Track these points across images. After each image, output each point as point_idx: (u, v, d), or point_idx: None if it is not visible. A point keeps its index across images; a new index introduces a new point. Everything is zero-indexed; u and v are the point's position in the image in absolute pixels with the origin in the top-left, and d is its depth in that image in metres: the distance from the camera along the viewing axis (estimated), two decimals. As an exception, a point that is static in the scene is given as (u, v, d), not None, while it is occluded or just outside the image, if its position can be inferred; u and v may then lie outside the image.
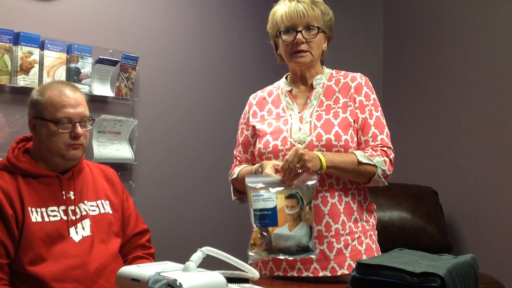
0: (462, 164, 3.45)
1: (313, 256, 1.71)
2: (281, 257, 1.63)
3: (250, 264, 1.90)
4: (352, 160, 1.78)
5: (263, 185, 1.65)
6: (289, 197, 1.64)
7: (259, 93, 2.04)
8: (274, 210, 1.62)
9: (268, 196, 1.63)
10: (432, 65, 3.67)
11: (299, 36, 1.85)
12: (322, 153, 1.75)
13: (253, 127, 1.96)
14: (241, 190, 1.95)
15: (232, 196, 1.99)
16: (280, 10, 1.89)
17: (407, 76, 3.83)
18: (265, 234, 1.62)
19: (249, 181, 1.66)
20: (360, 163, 1.78)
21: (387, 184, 1.86)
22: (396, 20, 3.94)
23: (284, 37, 1.88)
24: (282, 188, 1.65)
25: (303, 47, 1.87)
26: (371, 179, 1.81)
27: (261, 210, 1.62)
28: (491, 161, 3.30)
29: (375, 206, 1.95)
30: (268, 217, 1.62)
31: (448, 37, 3.59)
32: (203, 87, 3.40)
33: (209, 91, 3.43)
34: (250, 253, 1.63)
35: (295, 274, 1.81)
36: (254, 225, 1.63)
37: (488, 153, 3.32)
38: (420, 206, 3.30)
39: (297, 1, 1.86)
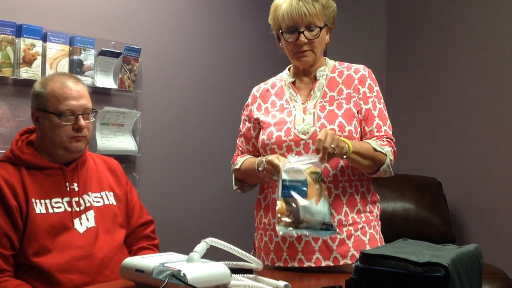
0: (466, 154, 3.44)
1: (337, 235, 1.73)
2: (306, 233, 1.60)
3: (252, 253, 1.92)
4: (368, 146, 1.78)
5: (294, 162, 1.65)
6: (313, 173, 1.64)
7: (262, 85, 2.04)
8: (305, 182, 1.61)
9: (298, 168, 1.63)
10: (436, 56, 3.65)
11: (301, 37, 1.84)
12: (344, 138, 1.73)
13: (257, 119, 1.96)
14: (242, 179, 1.96)
15: (234, 185, 1.99)
16: (281, 7, 1.86)
17: (411, 67, 3.81)
18: (293, 205, 1.59)
19: (291, 159, 1.66)
20: (375, 150, 1.78)
21: (393, 174, 1.86)
22: (400, 11, 3.92)
23: (286, 36, 1.87)
24: (309, 165, 1.65)
25: (306, 47, 1.86)
26: (379, 169, 1.81)
27: (291, 181, 1.62)
28: (495, 152, 3.29)
29: (378, 197, 1.95)
30: (297, 188, 1.61)
31: (453, 27, 3.57)
32: (206, 78, 3.39)
33: (212, 82, 3.42)
34: (278, 227, 1.59)
35: (296, 265, 1.82)
36: (281, 197, 1.60)
37: (492, 144, 3.31)
38: (424, 196, 3.30)
39: None
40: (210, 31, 3.42)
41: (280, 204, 1.60)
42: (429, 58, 3.69)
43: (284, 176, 1.63)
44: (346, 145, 1.70)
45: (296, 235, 1.70)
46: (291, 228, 1.58)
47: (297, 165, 1.64)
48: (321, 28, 1.85)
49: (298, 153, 1.81)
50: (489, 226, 3.30)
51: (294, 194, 1.60)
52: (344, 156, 1.71)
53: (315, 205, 1.60)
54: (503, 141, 3.26)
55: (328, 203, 1.64)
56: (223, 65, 3.48)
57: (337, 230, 1.67)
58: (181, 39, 3.27)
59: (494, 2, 3.36)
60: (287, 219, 1.58)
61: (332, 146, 1.63)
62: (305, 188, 1.61)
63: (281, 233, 1.60)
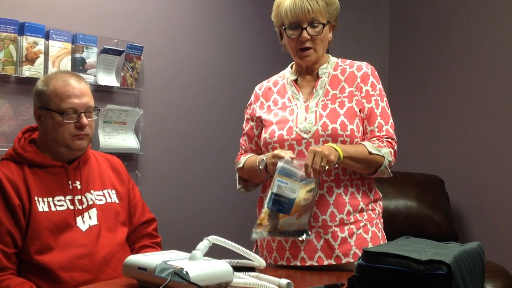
0: (468, 152, 3.44)
1: (304, 238, 1.73)
2: (278, 237, 1.68)
3: (254, 250, 1.92)
4: (362, 150, 1.78)
5: (292, 174, 1.66)
6: (309, 191, 1.67)
7: (265, 84, 2.03)
8: (292, 201, 1.64)
9: (293, 187, 1.65)
10: (439, 54, 3.64)
11: (304, 34, 1.83)
12: (336, 144, 1.74)
13: (259, 118, 1.96)
14: (246, 179, 1.96)
15: (237, 184, 1.99)
16: (285, 3, 1.86)
17: (413, 64, 3.80)
18: (275, 219, 1.65)
19: (281, 166, 1.67)
20: (370, 153, 1.78)
21: (392, 175, 1.86)
22: (402, 8, 3.91)
23: (289, 32, 1.87)
24: (307, 181, 1.67)
25: (308, 44, 1.85)
26: (377, 170, 1.81)
27: (280, 196, 1.64)
28: (497, 149, 3.29)
29: (380, 195, 1.95)
30: (283, 205, 1.64)
31: (455, 24, 3.56)
32: (208, 76, 3.39)
33: (214, 80, 3.42)
34: (254, 231, 1.65)
35: (298, 264, 1.82)
36: (266, 206, 1.65)
37: (494, 141, 3.31)
38: (426, 194, 3.29)
39: None
40: (213, 29, 3.42)
41: (264, 213, 1.65)
42: (431, 55, 3.69)
43: (275, 189, 1.65)
44: (337, 153, 1.70)
45: (267, 237, 1.73)
46: (265, 233, 1.65)
47: (292, 185, 1.65)
48: (324, 25, 1.85)
49: (300, 152, 1.81)
50: (491, 224, 3.29)
51: (278, 209, 1.64)
52: (336, 165, 1.73)
53: (295, 219, 1.66)
54: (505, 139, 3.25)
55: (310, 214, 1.71)
56: (226, 63, 3.48)
57: (309, 233, 1.73)
58: (183, 37, 3.27)
59: (496, 0, 3.35)
60: (265, 228, 1.64)
61: (322, 164, 1.64)
62: (290, 207, 1.64)
63: (254, 236, 1.65)
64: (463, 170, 3.45)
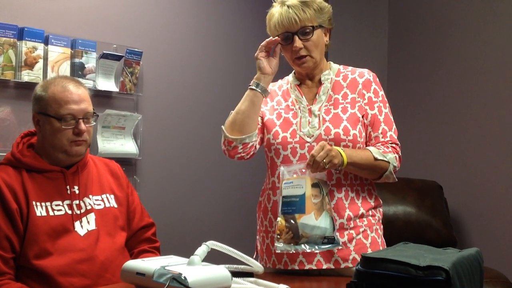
0: (467, 158, 3.44)
1: (339, 248, 1.74)
2: (307, 250, 1.65)
3: (255, 255, 1.92)
4: (368, 156, 1.79)
5: (294, 172, 1.68)
6: (313, 186, 1.67)
7: (270, 86, 2.04)
8: (302, 197, 1.64)
9: (298, 182, 1.66)
10: (437, 59, 3.65)
11: (296, 43, 1.84)
12: (342, 149, 1.75)
13: (262, 113, 1.97)
14: (238, 128, 1.90)
15: (225, 146, 1.96)
16: (273, 18, 1.87)
17: (412, 70, 3.81)
18: (292, 221, 1.63)
19: (283, 169, 1.69)
20: (375, 159, 1.79)
21: (396, 180, 1.87)
22: (401, 12, 3.92)
23: (282, 45, 1.88)
24: (308, 176, 1.68)
25: (303, 52, 1.86)
26: (383, 175, 1.82)
27: (289, 196, 1.65)
28: (496, 155, 3.29)
29: (381, 202, 1.95)
30: (295, 204, 1.64)
31: (453, 31, 3.57)
32: (208, 81, 3.40)
33: (214, 85, 3.42)
34: (277, 244, 1.65)
35: (297, 267, 1.82)
36: (279, 213, 1.65)
37: (493, 147, 3.31)
38: (425, 200, 3.30)
39: (288, 6, 1.83)
40: (212, 34, 3.43)
41: (280, 221, 1.65)
42: (430, 61, 3.70)
43: (284, 192, 1.67)
44: (341, 159, 1.71)
45: (294, 251, 1.70)
46: (291, 244, 1.64)
47: (297, 181, 1.66)
48: (314, 28, 1.85)
49: (302, 155, 1.82)
50: (490, 230, 3.29)
51: (292, 210, 1.64)
52: (337, 171, 1.75)
53: (314, 220, 1.64)
54: (504, 145, 3.26)
55: (330, 217, 1.68)
56: (225, 68, 3.48)
57: (340, 242, 1.72)
58: (182, 42, 3.28)
59: (495, 3, 3.36)
60: (287, 236, 1.64)
61: (324, 161, 1.66)
62: (303, 203, 1.64)
63: (279, 250, 1.66)
64: (461, 176, 3.45)
